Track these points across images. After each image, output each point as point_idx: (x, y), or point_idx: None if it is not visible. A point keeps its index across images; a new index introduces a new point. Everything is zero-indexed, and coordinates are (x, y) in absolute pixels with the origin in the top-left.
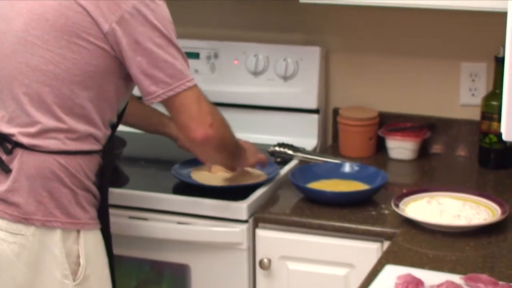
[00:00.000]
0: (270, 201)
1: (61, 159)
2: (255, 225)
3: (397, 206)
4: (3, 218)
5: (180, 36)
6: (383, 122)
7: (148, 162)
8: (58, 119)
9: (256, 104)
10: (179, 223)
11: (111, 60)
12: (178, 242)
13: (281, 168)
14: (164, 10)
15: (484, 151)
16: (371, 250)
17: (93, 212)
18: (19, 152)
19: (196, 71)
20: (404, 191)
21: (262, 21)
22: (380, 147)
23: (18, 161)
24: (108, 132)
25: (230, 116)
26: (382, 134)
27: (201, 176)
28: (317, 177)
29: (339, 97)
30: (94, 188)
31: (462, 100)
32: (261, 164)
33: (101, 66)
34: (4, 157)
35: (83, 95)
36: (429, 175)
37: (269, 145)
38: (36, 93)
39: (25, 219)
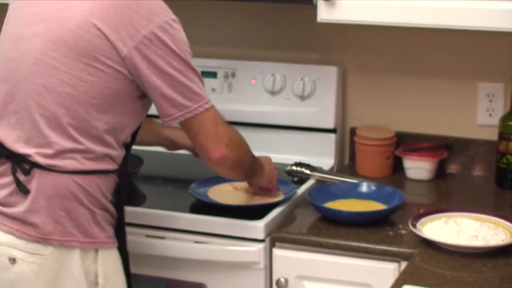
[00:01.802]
0: (287, 220)
1: (79, 179)
2: (272, 245)
3: (414, 226)
4: (21, 238)
5: (197, 55)
6: (400, 142)
7: (165, 180)
8: (75, 140)
9: (273, 123)
10: (196, 242)
11: (128, 83)
12: (195, 261)
13: (298, 187)
14: (181, 34)
15: (502, 172)
16: (389, 270)
17: (110, 231)
18: (36, 172)
19: (214, 90)
20: (421, 211)
21: (280, 40)
22: (397, 167)
23: (36, 182)
24: (123, 152)
25: (247, 135)
26: (399, 154)
27: (218, 195)
28: (334, 197)
29: (356, 116)
30: (111, 207)
31: (479, 120)
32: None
33: (118, 89)
34: (22, 177)
35: (99, 117)
36: (446, 195)
37: (286, 165)
38: (52, 114)
39: (43, 239)
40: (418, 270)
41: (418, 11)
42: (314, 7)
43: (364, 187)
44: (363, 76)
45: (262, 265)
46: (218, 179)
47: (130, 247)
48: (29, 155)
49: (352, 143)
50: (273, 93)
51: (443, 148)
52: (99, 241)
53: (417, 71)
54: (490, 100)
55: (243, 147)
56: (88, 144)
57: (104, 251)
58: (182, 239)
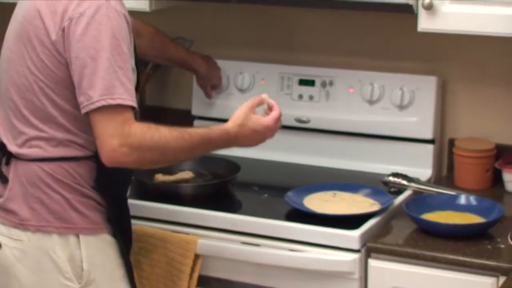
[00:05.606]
0: (383, 231)
1: (46, 166)
2: (368, 255)
3: None
4: (4, 224)
5: (295, 62)
6: (500, 154)
7: (261, 187)
8: (37, 128)
9: (370, 133)
10: (291, 250)
11: (67, 69)
12: (289, 269)
13: (395, 198)
14: None
15: None
16: (486, 285)
17: (95, 217)
18: (13, 161)
19: (311, 97)
20: None
21: (379, 49)
22: (497, 179)
23: (12, 171)
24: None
25: (344, 144)
26: (499, 167)
27: (314, 204)
28: (432, 208)
29: (455, 127)
30: (93, 194)
31: None
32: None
33: (61, 74)
34: (4, 168)
35: (53, 104)
36: None
37: (383, 175)
38: (16, 106)
39: (21, 225)
40: None
41: None
42: (414, 16)
43: (462, 200)
44: (463, 86)
45: (357, 276)
46: (314, 188)
47: (225, 254)
48: (6, 145)
49: (451, 154)
50: (371, 102)
51: None
52: (78, 227)
53: None
54: None
55: None
56: (50, 131)
57: (86, 236)
58: (277, 247)
